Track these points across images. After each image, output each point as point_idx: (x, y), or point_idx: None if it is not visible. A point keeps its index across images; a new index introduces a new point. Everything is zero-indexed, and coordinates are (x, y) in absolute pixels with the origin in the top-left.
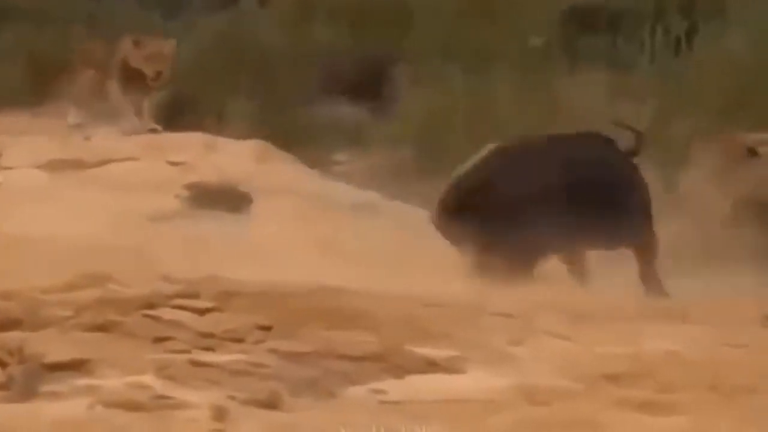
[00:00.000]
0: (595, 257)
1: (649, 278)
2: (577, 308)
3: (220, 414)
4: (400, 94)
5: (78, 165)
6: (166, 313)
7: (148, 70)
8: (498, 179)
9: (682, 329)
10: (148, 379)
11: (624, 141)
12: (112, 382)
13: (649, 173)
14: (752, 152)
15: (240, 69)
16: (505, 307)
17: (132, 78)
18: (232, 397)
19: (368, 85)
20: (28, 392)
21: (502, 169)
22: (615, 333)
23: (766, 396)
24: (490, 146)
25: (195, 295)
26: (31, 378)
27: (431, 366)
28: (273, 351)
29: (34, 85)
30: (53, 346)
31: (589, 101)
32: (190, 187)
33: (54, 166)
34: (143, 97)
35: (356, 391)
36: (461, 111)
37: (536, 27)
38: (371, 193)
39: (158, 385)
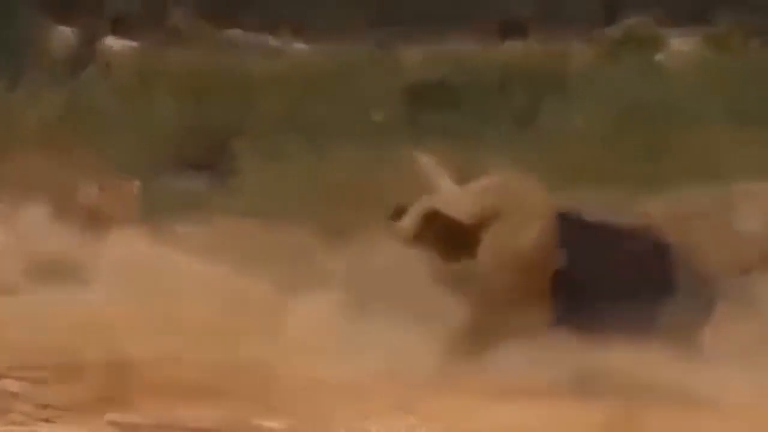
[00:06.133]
0: None
1: None
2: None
3: None
4: (243, 167)
5: None
6: (6, 385)
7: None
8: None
9: None
10: None
11: None
12: None
13: None
14: None
15: (83, 140)
16: (349, 379)
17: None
18: None
19: (211, 158)
20: None
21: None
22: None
23: None
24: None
25: (35, 367)
26: None
27: None
28: (113, 423)
29: None
30: None
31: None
32: (32, 259)
33: None
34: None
35: None
36: (304, 184)
37: (378, 102)
38: (213, 265)
39: None
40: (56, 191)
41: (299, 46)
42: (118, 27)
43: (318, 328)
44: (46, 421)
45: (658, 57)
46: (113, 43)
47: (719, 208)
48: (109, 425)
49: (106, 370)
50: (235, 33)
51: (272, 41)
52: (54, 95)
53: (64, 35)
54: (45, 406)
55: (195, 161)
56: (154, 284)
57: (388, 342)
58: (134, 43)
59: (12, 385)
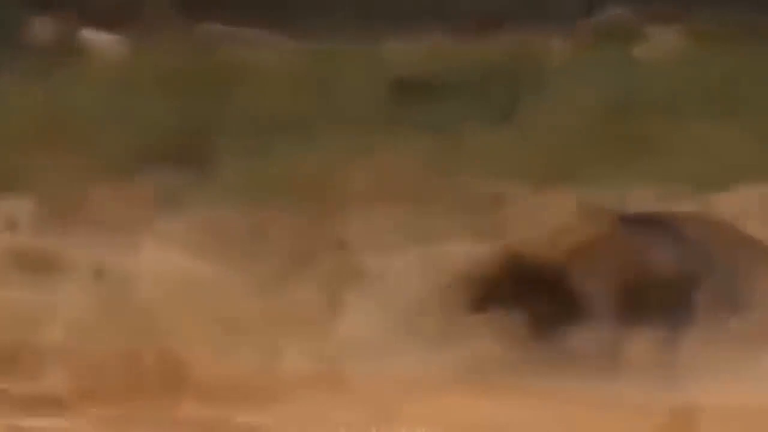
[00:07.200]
0: None
1: None
2: None
3: None
4: (225, 162)
5: None
6: None
7: None
8: None
9: None
10: None
11: None
12: None
13: None
14: None
15: (59, 136)
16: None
17: None
18: None
19: (192, 153)
20: None
21: None
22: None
23: None
24: None
25: (15, 360)
26: None
27: None
28: (95, 416)
29: None
30: None
31: (414, 170)
32: (11, 252)
33: None
34: None
35: None
36: (287, 178)
37: (361, 97)
38: (194, 260)
39: None
40: (46, 187)
41: (282, 40)
42: (98, 20)
43: (316, 326)
44: (28, 414)
45: (639, 51)
46: (92, 35)
47: (701, 205)
48: (91, 418)
49: (88, 363)
50: (217, 27)
51: (255, 35)
52: (31, 88)
53: (43, 27)
54: (26, 400)
55: (176, 156)
56: (135, 278)
57: (387, 339)
58: (114, 37)
59: None
